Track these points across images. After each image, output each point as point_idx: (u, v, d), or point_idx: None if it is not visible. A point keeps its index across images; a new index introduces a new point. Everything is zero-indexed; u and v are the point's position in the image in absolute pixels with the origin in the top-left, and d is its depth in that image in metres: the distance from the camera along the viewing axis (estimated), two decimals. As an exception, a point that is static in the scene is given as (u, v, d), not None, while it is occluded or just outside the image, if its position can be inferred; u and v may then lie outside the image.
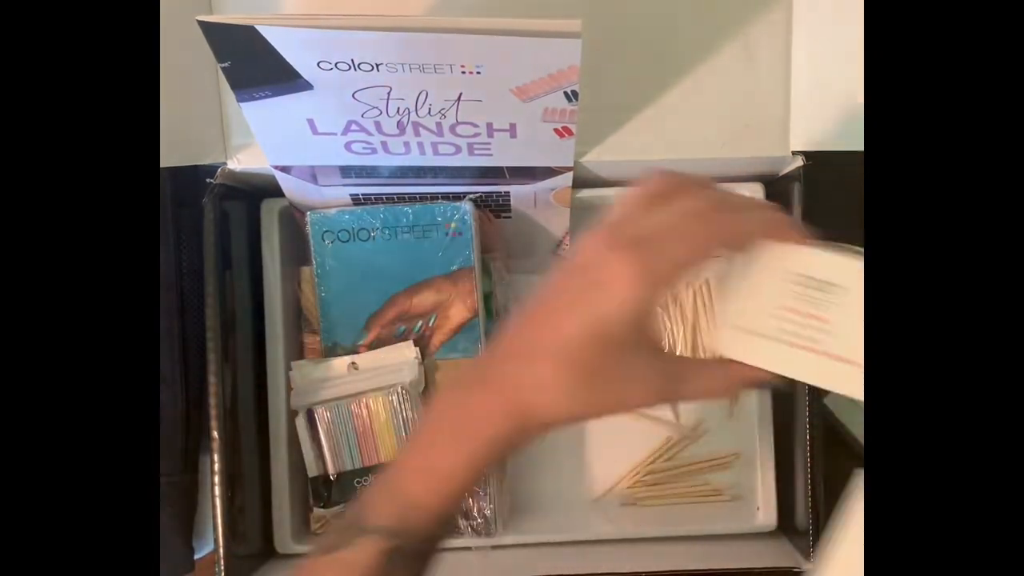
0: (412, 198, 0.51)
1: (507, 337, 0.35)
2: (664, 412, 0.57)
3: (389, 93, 0.41)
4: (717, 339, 0.36)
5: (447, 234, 0.51)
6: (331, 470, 0.51)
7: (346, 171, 0.48)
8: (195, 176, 0.50)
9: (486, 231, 0.53)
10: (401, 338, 0.51)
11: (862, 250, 0.34)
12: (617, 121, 0.48)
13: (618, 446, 0.56)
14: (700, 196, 0.34)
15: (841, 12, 0.46)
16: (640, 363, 0.34)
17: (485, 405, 0.34)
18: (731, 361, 0.36)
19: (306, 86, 0.40)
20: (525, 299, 0.35)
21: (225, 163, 0.49)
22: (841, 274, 0.34)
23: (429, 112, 0.42)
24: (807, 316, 0.34)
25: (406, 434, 0.50)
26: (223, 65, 0.39)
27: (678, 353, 0.56)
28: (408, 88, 0.41)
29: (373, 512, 0.34)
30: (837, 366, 0.34)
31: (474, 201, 0.51)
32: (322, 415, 0.51)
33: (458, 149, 0.46)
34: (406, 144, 0.45)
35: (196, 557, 0.55)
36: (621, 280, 0.32)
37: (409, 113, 0.43)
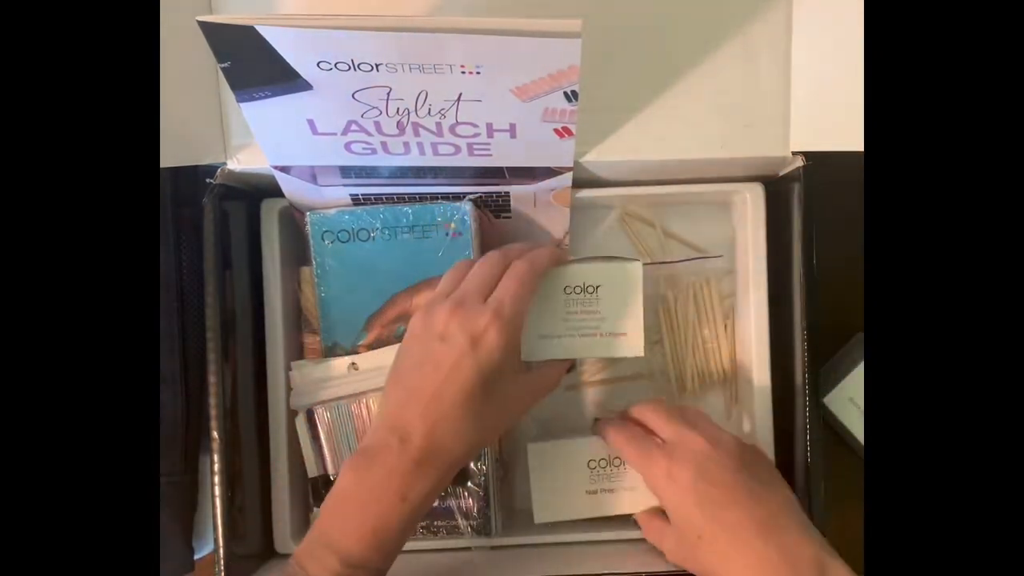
0: (412, 198, 0.51)
1: (407, 405, 0.41)
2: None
3: (389, 93, 0.41)
4: (528, 349, 0.49)
5: (447, 234, 0.51)
6: (331, 470, 0.51)
7: (346, 171, 0.48)
8: (195, 176, 0.50)
9: (486, 231, 0.53)
10: (401, 338, 0.51)
11: (615, 256, 0.49)
12: (617, 121, 0.48)
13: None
14: (495, 257, 0.45)
15: (841, 12, 0.46)
16: (515, 386, 0.44)
17: (415, 470, 0.40)
18: (552, 360, 0.49)
19: (306, 86, 0.40)
20: (401, 373, 0.42)
21: (225, 163, 0.49)
22: (595, 277, 0.49)
23: (429, 112, 0.42)
24: (583, 313, 0.49)
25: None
26: (223, 65, 0.39)
27: (679, 348, 0.56)
28: (408, 88, 0.41)
29: (316, 571, 0.40)
30: (615, 339, 0.49)
31: (474, 201, 0.51)
32: (322, 415, 0.51)
33: (458, 149, 0.46)
34: (406, 144, 0.45)
35: (196, 557, 0.55)
36: (491, 333, 0.41)
37: (409, 113, 0.43)
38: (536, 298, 0.48)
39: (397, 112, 0.42)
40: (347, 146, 0.46)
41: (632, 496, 0.51)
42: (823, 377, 0.54)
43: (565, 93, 0.41)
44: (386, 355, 0.51)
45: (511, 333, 0.42)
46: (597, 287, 0.48)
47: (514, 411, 0.45)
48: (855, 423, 0.55)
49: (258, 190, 0.52)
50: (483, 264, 0.44)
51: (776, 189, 0.52)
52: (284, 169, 0.48)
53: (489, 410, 0.42)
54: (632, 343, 0.49)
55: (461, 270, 0.45)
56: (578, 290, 0.48)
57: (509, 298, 0.42)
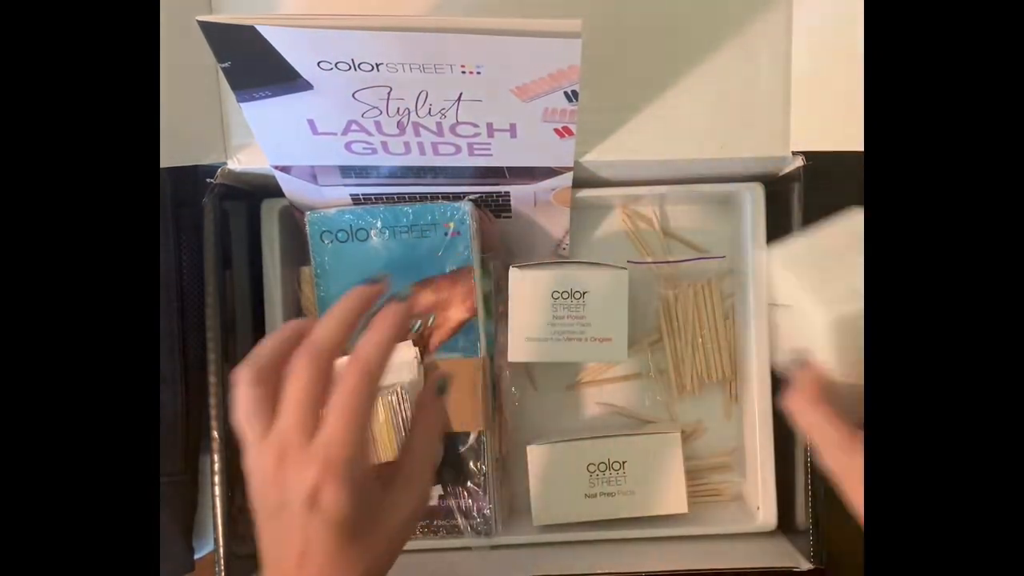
0: (412, 198, 0.51)
1: None
2: (662, 413, 0.57)
3: (389, 93, 0.41)
4: (515, 351, 0.50)
5: (446, 234, 0.51)
6: (331, 470, 0.51)
7: (346, 171, 0.48)
8: (195, 176, 0.50)
9: (486, 231, 0.53)
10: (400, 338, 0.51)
11: (602, 262, 0.50)
12: (617, 121, 0.48)
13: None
14: (304, 363, 0.34)
15: (841, 12, 0.46)
16: (389, 513, 0.36)
17: None
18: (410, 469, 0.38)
19: (306, 86, 0.40)
20: (261, 547, 0.35)
21: (225, 163, 0.49)
22: (582, 283, 0.50)
23: (429, 112, 0.42)
24: (570, 318, 0.50)
25: (405, 434, 0.50)
26: (223, 65, 0.39)
27: (679, 348, 0.56)
28: (408, 88, 0.41)
29: None
30: (600, 344, 0.50)
31: (474, 201, 0.51)
32: (322, 415, 0.51)
33: (458, 149, 0.46)
34: (406, 144, 0.45)
35: (196, 557, 0.55)
36: (327, 491, 0.33)
37: (409, 113, 0.43)
38: (525, 300, 0.50)
39: (397, 112, 0.42)
40: (347, 146, 0.46)
41: (631, 500, 0.51)
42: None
43: (565, 93, 0.41)
44: (386, 355, 0.51)
45: (353, 475, 0.33)
46: (584, 293, 0.50)
47: (399, 536, 0.37)
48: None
49: (258, 190, 0.52)
50: (297, 380, 0.34)
51: (776, 189, 0.52)
52: (284, 169, 0.48)
53: (368, 549, 0.35)
54: (616, 349, 0.50)
55: (263, 381, 0.35)
56: (565, 295, 0.50)
57: (339, 436, 0.33)
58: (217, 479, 0.48)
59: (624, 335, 0.50)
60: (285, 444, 0.34)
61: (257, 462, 0.34)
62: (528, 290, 0.50)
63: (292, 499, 0.33)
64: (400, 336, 0.36)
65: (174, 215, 0.53)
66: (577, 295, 0.50)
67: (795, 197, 0.49)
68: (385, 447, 0.50)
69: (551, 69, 0.39)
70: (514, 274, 0.51)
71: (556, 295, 0.50)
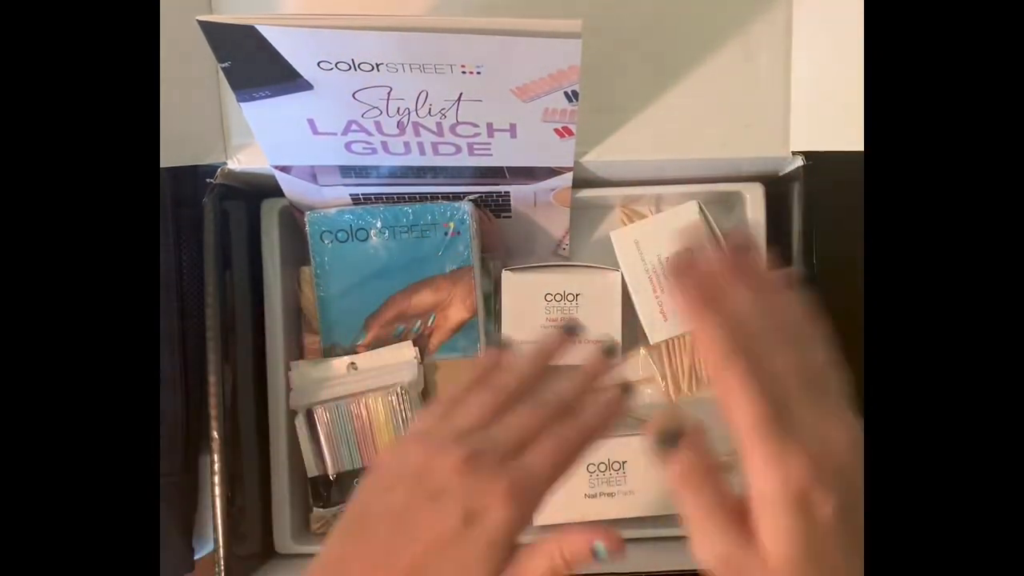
0: (412, 198, 0.51)
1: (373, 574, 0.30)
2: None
3: (389, 93, 0.41)
4: None
5: (446, 234, 0.51)
6: (331, 470, 0.51)
7: (346, 171, 0.48)
8: (195, 176, 0.50)
9: (486, 231, 0.53)
10: (400, 338, 0.51)
11: (595, 264, 0.52)
12: (617, 121, 0.48)
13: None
14: (541, 412, 0.33)
15: (841, 12, 0.46)
16: None
17: None
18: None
19: (306, 86, 0.40)
20: (370, 519, 0.31)
21: (225, 163, 0.49)
22: (575, 285, 0.51)
23: (429, 112, 0.42)
24: (563, 320, 0.50)
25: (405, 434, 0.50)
26: (223, 65, 0.39)
27: (675, 349, 0.56)
28: (408, 88, 0.41)
29: None
30: (594, 347, 0.47)
31: (474, 201, 0.51)
32: (321, 415, 0.51)
33: (458, 149, 0.46)
34: (406, 144, 0.45)
35: (196, 557, 0.55)
36: (495, 513, 0.30)
37: (409, 113, 0.43)
38: (518, 304, 0.50)
39: (397, 112, 0.42)
40: (347, 146, 0.46)
41: (631, 500, 0.51)
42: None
43: (565, 93, 0.41)
44: (385, 355, 0.51)
45: (524, 516, 0.30)
46: (577, 295, 0.51)
47: None
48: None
49: (258, 190, 0.52)
50: (531, 414, 0.33)
51: (776, 189, 0.52)
52: (284, 169, 0.48)
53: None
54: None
55: (496, 388, 0.34)
56: (559, 297, 0.51)
57: (539, 470, 0.31)
58: (217, 479, 0.48)
59: (618, 336, 0.51)
60: (486, 450, 0.31)
61: (442, 439, 0.32)
62: (521, 293, 0.51)
63: (452, 501, 0.30)
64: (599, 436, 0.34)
65: (174, 215, 0.53)
66: (570, 297, 0.51)
67: (795, 197, 0.49)
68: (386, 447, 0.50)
69: (551, 69, 0.39)
70: (507, 277, 0.51)
71: (549, 297, 0.50)
